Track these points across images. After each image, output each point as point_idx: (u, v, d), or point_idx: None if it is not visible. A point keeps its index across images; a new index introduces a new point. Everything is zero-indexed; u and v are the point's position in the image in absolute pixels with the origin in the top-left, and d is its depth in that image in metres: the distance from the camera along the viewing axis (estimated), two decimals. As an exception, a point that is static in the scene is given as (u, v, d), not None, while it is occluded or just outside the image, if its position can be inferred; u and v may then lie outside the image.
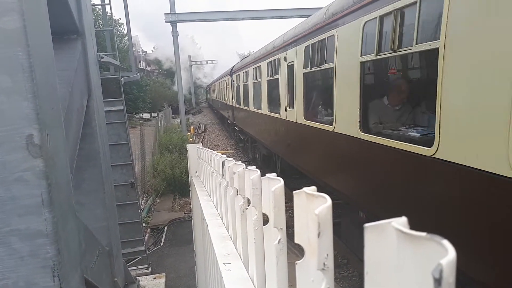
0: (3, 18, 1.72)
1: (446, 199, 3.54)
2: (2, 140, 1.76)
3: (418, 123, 5.19)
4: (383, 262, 0.49)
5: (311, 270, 0.70)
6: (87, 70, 3.75)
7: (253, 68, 12.44)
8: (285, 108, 8.45)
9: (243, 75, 15.02)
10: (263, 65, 10.74)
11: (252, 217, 1.32)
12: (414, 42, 3.75)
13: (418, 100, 5.49)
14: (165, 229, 10.08)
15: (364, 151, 5.00)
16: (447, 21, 3.30)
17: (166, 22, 21.95)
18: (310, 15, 7.70)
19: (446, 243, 0.41)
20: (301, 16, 19.87)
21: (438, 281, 0.39)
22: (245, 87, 14.48)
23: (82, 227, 2.66)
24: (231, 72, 19.28)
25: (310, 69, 6.81)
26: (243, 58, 18.45)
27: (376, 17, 4.49)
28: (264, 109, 10.92)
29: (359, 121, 5.04)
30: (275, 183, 1.01)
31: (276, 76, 9.15)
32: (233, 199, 1.87)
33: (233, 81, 18.28)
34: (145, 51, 79.47)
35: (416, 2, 3.72)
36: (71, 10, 3.32)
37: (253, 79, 12.64)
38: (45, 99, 1.92)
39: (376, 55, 4.53)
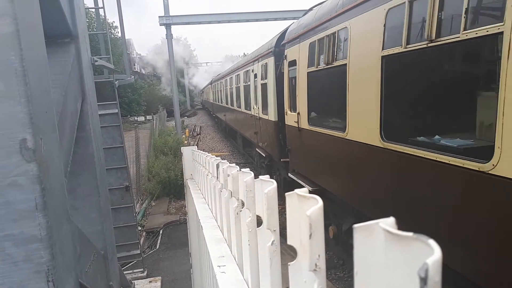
0: (-4, 22, 1.71)
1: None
2: (-5, 145, 1.75)
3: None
4: (372, 262, 0.49)
5: (304, 271, 0.70)
6: (81, 73, 3.73)
7: (217, 83, 27.17)
8: (221, 100, 23.81)
9: (215, 85, 29.95)
10: (223, 81, 22.74)
11: (246, 219, 1.33)
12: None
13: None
14: (161, 232, 10.04)
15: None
16: None
17: (160, 24, 21.91)
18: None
19: (432, 242, 0.42)
20: (294, 18, 19.91)
21: (424, 280, 0.39)
22: (217, 92, 27.85)
23: (77, 231, 2.65)
24: (211, 83, 35.60)
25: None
26: (218, 75, 31.65)
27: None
28: (221, 102, 24.86)
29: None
30: (268, 185, 1.01)
31: (221, 88, 23.88)
32: (227, 201, 1.87)
33: (212, 88, 33.19)
34: (140, 54, 79.03)
35: None
36: (64, 14, 3.31)
37: (218, 88, 26.25)
38: (39, 103, 1.91)
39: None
